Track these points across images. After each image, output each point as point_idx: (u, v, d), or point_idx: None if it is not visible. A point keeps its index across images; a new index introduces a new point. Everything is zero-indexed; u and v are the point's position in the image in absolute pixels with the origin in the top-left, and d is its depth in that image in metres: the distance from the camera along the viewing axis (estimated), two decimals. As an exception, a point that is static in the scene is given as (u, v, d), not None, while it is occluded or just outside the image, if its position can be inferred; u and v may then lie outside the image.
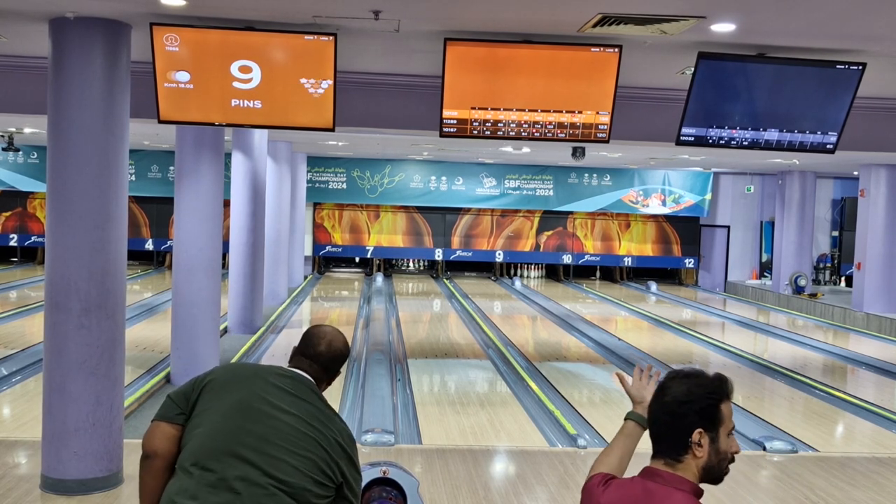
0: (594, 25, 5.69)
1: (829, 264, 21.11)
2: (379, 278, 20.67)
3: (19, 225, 21.47)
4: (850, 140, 7.53)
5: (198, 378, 2.57)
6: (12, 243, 21.44)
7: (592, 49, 6.20)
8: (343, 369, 2.78)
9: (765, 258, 21.70)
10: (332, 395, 8.65)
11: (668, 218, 22.12)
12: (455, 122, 6.47)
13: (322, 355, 2.65)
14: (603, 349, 12.05)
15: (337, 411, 2.63)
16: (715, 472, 2.07)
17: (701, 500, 2.02)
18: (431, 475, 5.80)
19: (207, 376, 2.55)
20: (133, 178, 19.60)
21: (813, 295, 18.04)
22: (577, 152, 12.96)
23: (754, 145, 6.85)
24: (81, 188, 5.87)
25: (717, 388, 2.06)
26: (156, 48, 5.96)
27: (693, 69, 6.42)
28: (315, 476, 2.40)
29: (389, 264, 22.61)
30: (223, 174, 9.54)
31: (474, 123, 6.48)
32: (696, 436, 2.02)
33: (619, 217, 22.20)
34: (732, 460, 2.10)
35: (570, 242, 22.22)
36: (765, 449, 6.86)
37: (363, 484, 3.65)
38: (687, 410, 2.01)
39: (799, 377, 10.37)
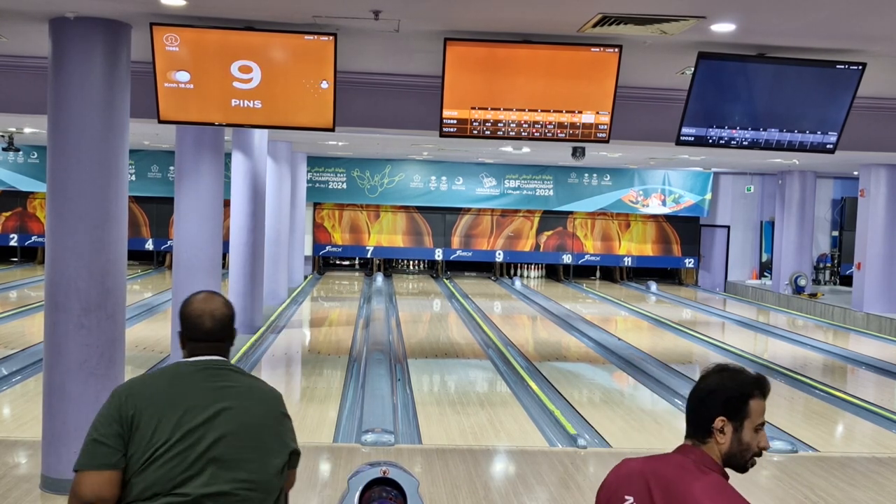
0: (594, 25, 5.69)
1: (829, 264, 21.12)
2: (379, 278, 20.68)
3: (19, 225, 21.47)
4: (850, 140, 7.53)
5: (122, 413, 2.36)
6: (12, 243, 21.44)
7: (592, 49, 6.20)
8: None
9: (765, 258, 21.71)
10: (332, 395, 8.68)
11: (668, 218, 22.12)
12: (455, 122, 6.47)
13: (213, 331, 2.52)
14: (603, 349, 12.05)
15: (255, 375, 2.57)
16: (737, 461, 2.26)
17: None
18: (431, 475, 5.80)
19: (128, 409, 2.35)
20: (133, 178, 19.60)
21: (813, 295, 18.04)
22: (577, 152, 12.96)
23: (754, 145, 6.85)
24: (81, 188, 5.87)
25: (750, 384, 2.23)
26: (156, 48, 5.96)
27: (693, 69, 6.42)
28: (274, 459, 2.41)
29: (389, 264, 22.61)
30: (223, 174, 9.54)
31: (474, 123, 6.48)
32: (718, 423, 2.20)
33: (619, 217, 22.20)
34: (759, 454, 2.27)
35: (570, 242, 22.22)
36: (765, 449, 6.85)
37: (363, 484, 3.65)
38: (713, 399, 2.21)
39: (799, 377, 10.37)
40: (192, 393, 2.40)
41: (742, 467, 2.28)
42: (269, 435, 2.43)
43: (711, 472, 2.19)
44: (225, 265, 13.52)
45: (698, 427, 2.24)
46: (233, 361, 2.57)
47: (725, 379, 2.24)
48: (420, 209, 21.64)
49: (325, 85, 6.19)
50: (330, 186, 21.03)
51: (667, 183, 21.41)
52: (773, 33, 5.95)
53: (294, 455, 2.52)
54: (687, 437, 2.27)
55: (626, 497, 2.21)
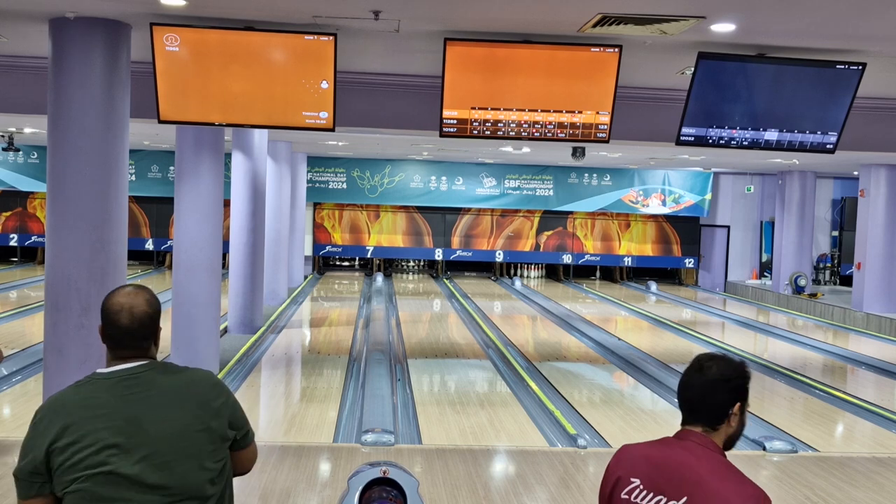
0: (594, 25, 5.69)
1: (829, 264, 21.12)
2: (379, 278, 20.68)
3: (19, 225, 21.47)
4: (850, 140, 7.54)
5: (36, 444, 2.26)
6: (12, 243, 21.44)
7: (592, 49, 6.20)
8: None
9: (765, 258, 21.71)
10: (332, 395, 8.68)
11: (668, 218, 22.12)
12: (455, 122, 6.47)
13: (130, 330, 2.33)
14: (603, 349, 12.05)
15: (188, 367, 2.44)
16: (734, 440, 2.43)
17: None
18: (431, 475, 5.80)
19: (46, 438, 2.25)
20: (133, 178, 19.60)
21: (813, 295, 18.04)
22: (577, 152, 12.96)
23: (754, 145, 6.85)
24: (81, 188, 5.87)
25: (746, 368, 2.46)
26: (156, 48, 5.96)
27: (693, 69, 6.42)
28: (206, 462, 2.29)
29: (389, 264, 22.60)
30: (223, 174, 9.54)
31: (474, 123, 6.48)
32: (736, 408, 2.36)
33: (619, 217, 22.20)
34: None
35: (570, 242, 22.22)
36: (765, 449, 6.85)
37: (363, 484, 3.65)
38: (728, 387, 2.36)
39: (799, 377, 10.37)
40: (109, 412, 2.24)
41: (733, 446, 2.44)
42: (196, 439, 2.29)
43: (744, 477, 2.26)
44: (225, 265, 13.53)
45: (712, 415, 2.33)
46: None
47: (725, 367, 2.40)
48: (420, 209, 21.64)
49: (325, 85, 6.20)
50: (330, 186, 21.03)
51: (667, 183, 21.41)
52: (773, 33, 5.96)
53: (240, 439, 2.42)
54: (691, 424, 2.35)
55: (633, 479, 2.28)
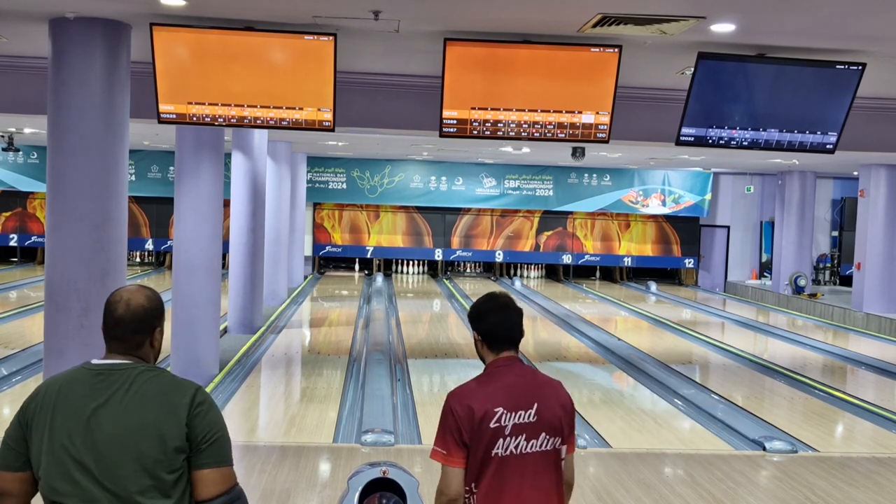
0: (594, 25, 5.69)
1: (828, 264, 21.12)
2: (379, 278, 20.68)
3: (19, 225, 21.46)
4: (850, 140, 7.54)
5: (25, 415, 2.38)
6: (12, 243, 21.44)
7: (592, 49, 6.20)
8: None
9: (765, 258, 21.71)
10: (332, 395, 8.68)
11: (668, 218, 22.12)
12: (455, 122, 6.47)
13: (123, 321, 2.33)
14: (603, 349, 12.05)
15: (177, 377, 2.38)
16: None
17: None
18: (431, 475, 5.79)
19: (29, 412, 2.36)
20: (133, 178, 19.60)
21: (813, 295, 18.04)
22: (577, 152, 12.96)
23: (754, 145, 6.85)
24: (81, 188, 5.87)
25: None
26: (156, 48, 5.96)
27: (693, 69, 6.42)
28: (154, 471, 2.24)
29: (389, 264, 22.58)
30: (223, 174, 9.54)
31: (474, 123, 6.48)
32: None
33: (619, 217, 22.20)
34: None
35: (569, 242, 22.22)
36: (765, 449, 6.85)
37: (363, 484, 3.65)
38: (519, 316, 2.96)
39: (799, 377, 10.36)
40: (76, 401, 2.27)
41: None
42: (146, 444, 2.23)
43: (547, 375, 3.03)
44: (225, 265, 13.52)
45: (519, 338, 2.92)
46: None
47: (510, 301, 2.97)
48: (420, 209, 21.64)
49: (324, 85, 6.20)
50: (330, 186, 21.03)
51: (667, 183, 21.41)
52: (773, 33, 5.96)
53: (194, 456, 2.28)
54: (508, 350, 2.89)
55: (496, 410, 2.74)
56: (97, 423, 2.25)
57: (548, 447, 2.80)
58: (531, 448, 2.78)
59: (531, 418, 2.78)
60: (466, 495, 2.75)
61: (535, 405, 2.78)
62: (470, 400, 2.76)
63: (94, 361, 2.35)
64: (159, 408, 2.27)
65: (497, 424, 2.73)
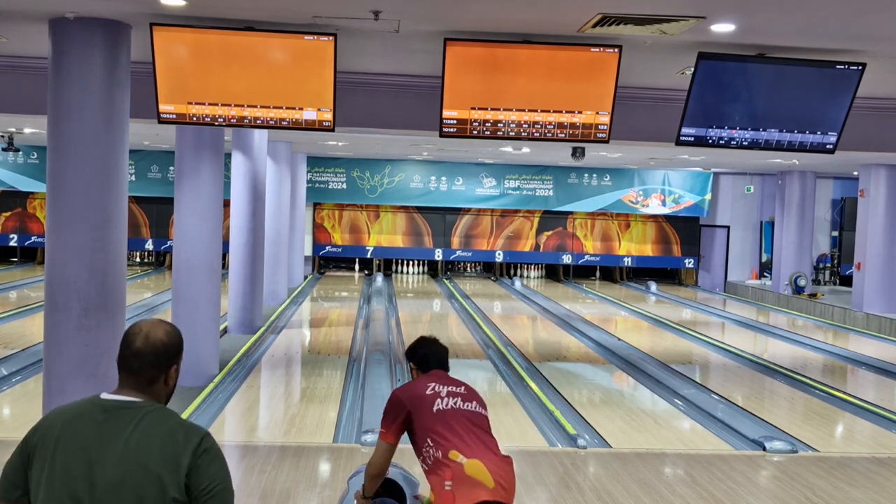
0: (594, 25, 5.70)
1: (828, 264, 21.11)
2: (379, 278, 20.68)
3: (19, 225, 21.46)
4: (850, 140, 7.53)
5: (27, 446, 2.29)
6: (12, 243, 21.44)
7: (592, 49, 6.20)
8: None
9: (765, 258, 21.70)
10: (332, 395, 8.68)
11: (667, 218, 22.12)
12: (455, 122, 6.47)
13: (140, 355, 2.26)
14: (603, 349, 12.05)
15: (186, 421, 2.28)
16: None
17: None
18: (431, 475, 5.80)
19: (31, 444, 2.28)
20: (133, 178, 19.60)
21: (813, 295, 18.04)
22: (577, 152, 12.95)
23: (754, 145, 6.85)
24: (81, 188, 5.87)
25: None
26: (156, 48, 5.96)
27: (693, 69, 6.42)
28: None
29: (389, 264, 22.58)
30: (223, 174, 9.54)
31: (474, 123, 6.47)
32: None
33: (619, 217, 22.19)
34: None
35: (569, 242, 22.21)
36: (765, 449, 6.85)
37: (363, 483, 3.65)
38: None
39: (799, 377, 10.36)
40: (80, 438, 2.21)
41: None
42: (143, 490, 2.15)
43: None
44: (225, 265, 13.53)
45: (446, 364, 3.84)
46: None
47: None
48: (420, 209, 21.63)
49: (324, 85, 6.20)
50: (330, 187, 21.03)
51: (667, 183, 21.41)
52: (773, 33, 5.96)
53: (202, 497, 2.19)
54: (438, 369, 3.78)
55: (429, 384, 3.60)
56: (98, 465, 2.18)
57: (481, 411, 3.58)
58: (466, 407, 3.53)
59: (461, 390, 3.60)
60: (428, 448, 3.44)
61: (463, 386, 3.64)
62: (411, 385, 3.66)
63: (104, 396, 2.27)
64: (162, 454, 2.18)
65: (432, 392, 3.54)
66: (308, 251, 21.19)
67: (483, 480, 3.34)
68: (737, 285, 21.31)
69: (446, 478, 3.37)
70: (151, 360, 2.26)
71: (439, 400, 3.51)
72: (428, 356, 3.74)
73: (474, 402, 3.57)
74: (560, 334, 13.60)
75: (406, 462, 4.25)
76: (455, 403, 3.52)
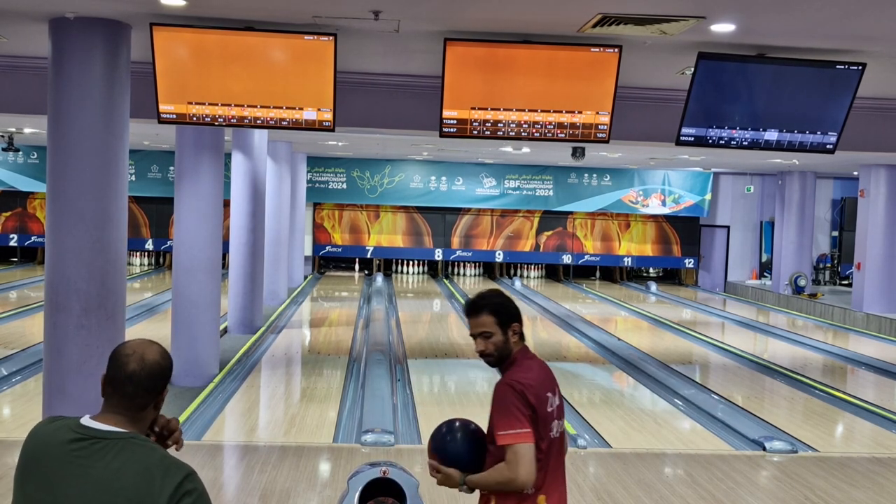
0: (594, 25, 5.70)
1: (828, 264, 21.11)
2: (379, 278, 20.68)
3: (19, 225, 21.46)
4: (850, 140, 7.54)
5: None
6: (12, 243, 21.44)
7: (592, 49, 6.20)
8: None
9: (765, 258, 21.70)
10: (332, 395, 8.68)
11: (668, 218, 22.12)
12: (455, 122, 6.47)
13: (134, 377, 2.09)
14: (603, 349, 12.05)
15: (169, 455, 2.09)
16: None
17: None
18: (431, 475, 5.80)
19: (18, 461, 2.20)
20: (133, 178, 19.60)
21: (813, 295, 18.04)
22: (577, 152, 12.95)
23: (754, 145, 6.85)
24: (81, 188, 5.87)
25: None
26: (156, 48, 5.97)
27: (693, 69, 6.42)
28: None
29: (389, 265, 22.58)
30: (223, 174, 9.54)
31: (474, 123, 6.48)
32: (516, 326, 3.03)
33: (619, 217, 22.19)
34: None
35: (569, 242, 22.21)
36: (765, 449, 6.85)
37: (363, 484, 3.65)
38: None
39: (799, 377, 10.36)
40: (47, 468, 2.08)
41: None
42: None
43: None
44: (225, 265, 13.53)
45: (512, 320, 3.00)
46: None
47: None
48: (420, 209, 21.63)
49: (324, 85, 6.20)
50: (330, 186, 21.03)
51: (667, 183, 21.41)
52: (772, 33, 5.96)
53: None
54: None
55: (548, 394, 2.81)
56: (65, 499, 2.02)
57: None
58: (562, 430, 2.90)
59: (558, 401, 2.90)
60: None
61: (559, 393, 2.93)
62: (525, 384, 2.78)
63: (83, 422, 2.09)
64: (135, 495, 1.98)
65: (551, 407, 2.83)
66: (308, 251, 21.19)
67: None
68: (737, 285, 21.31)
69: None
70: (148, 385, 2.12)
71: (556, 423, 2.83)
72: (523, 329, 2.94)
73: (563, 421, 2.93)
74: (560, 334, 13.60)
75: (405, 462, 4.25)
76: (559, 428, 2.86)
